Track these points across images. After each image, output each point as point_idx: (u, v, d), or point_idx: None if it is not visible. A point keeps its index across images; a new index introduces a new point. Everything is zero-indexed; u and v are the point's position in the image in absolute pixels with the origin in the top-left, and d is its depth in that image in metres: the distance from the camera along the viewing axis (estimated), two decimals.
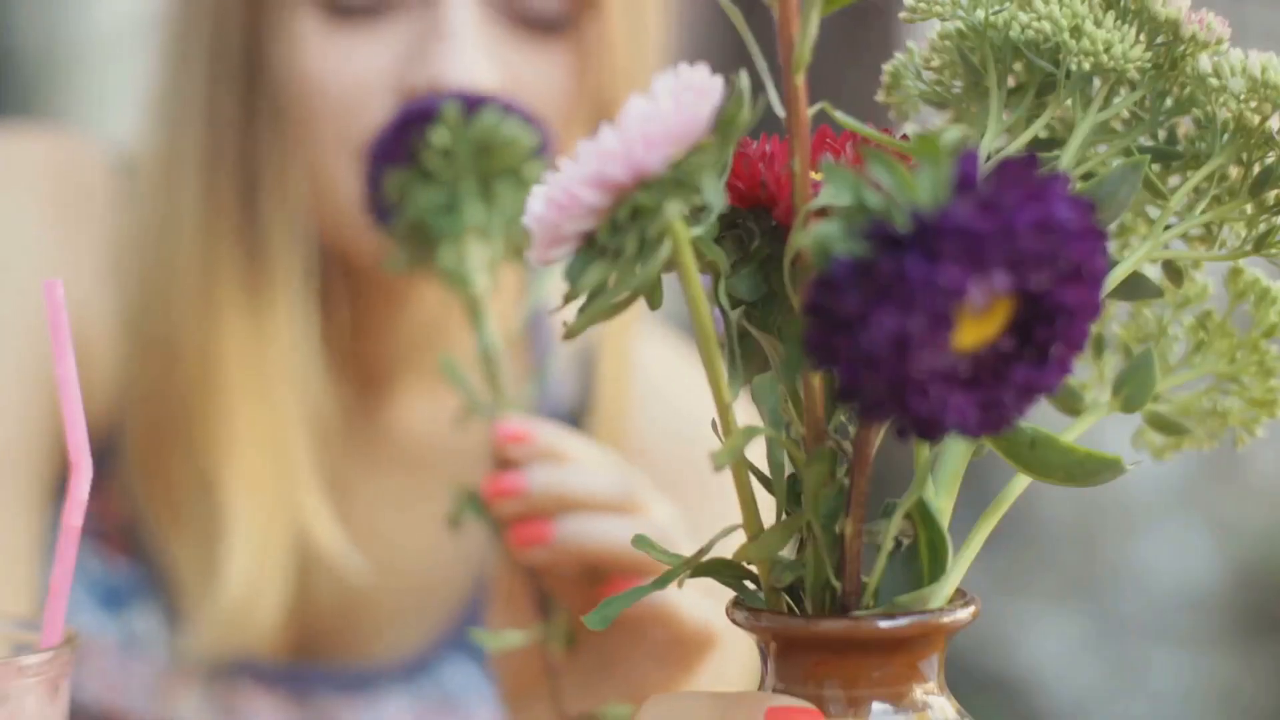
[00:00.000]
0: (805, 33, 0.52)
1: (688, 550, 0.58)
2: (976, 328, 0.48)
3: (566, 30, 1.06)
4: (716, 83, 0.53)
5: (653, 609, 0.85)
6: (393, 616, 1.16)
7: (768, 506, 0.58)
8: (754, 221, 0.57)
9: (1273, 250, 0.60)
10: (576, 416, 1.16)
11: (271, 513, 1.05)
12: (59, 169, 1.11)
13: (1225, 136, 0.59)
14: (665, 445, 1.15)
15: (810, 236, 0.48)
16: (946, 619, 0.56)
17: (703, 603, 0.86)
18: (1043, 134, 0.60)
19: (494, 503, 0.84)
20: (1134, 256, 0.60)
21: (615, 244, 0.52)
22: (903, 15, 0.62)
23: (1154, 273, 0.62)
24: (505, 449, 0.85)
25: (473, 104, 0.87)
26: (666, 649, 0.87)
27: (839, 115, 0.55)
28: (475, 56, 1.01)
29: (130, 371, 1.08)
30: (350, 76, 1.02)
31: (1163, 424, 0.65)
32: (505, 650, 0.89)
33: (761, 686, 0.58)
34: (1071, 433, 0.59)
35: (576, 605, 0.87)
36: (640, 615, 0.85)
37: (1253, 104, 0.58)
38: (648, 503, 0.85)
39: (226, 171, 1.05)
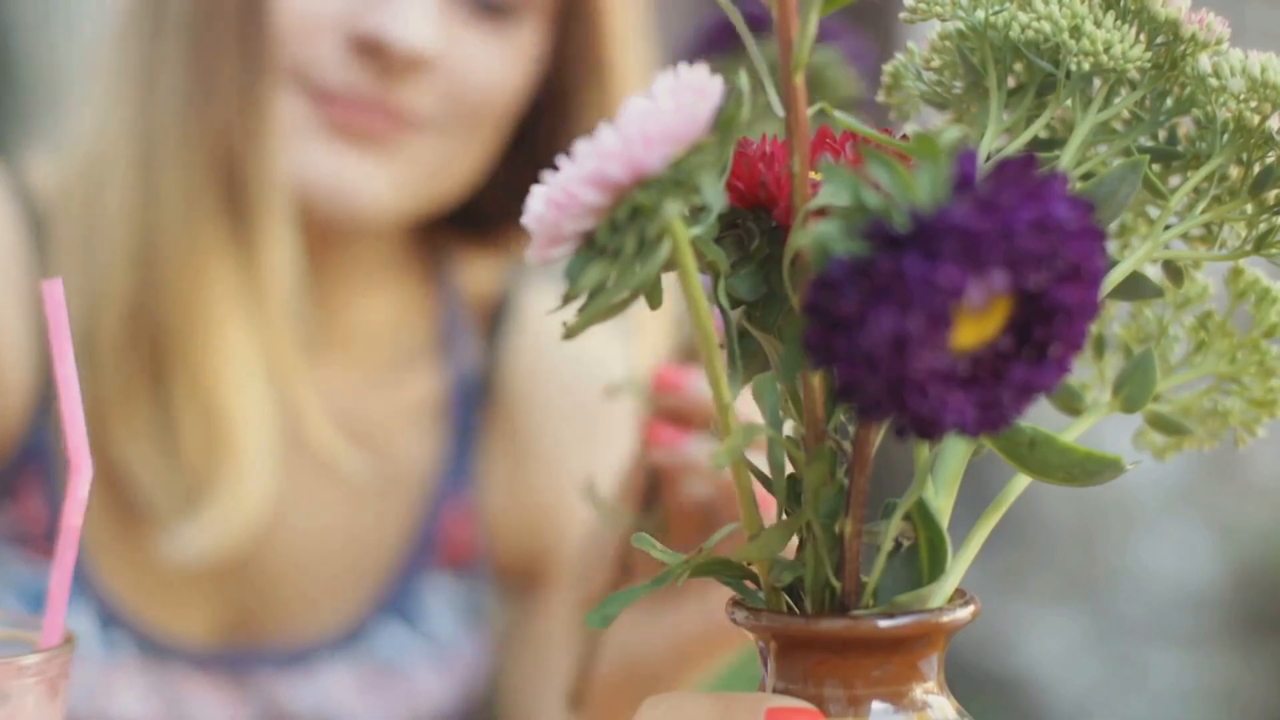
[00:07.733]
0: (804, 33, 0.52)
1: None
2: (975, 327, 0.48)
3: (517, 17, 1.10)
4: (716, 82, 0.53)
5: None
6: (324, 587, 1.16)
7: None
8: (754, 221, 0.57)
9: (1273, 250, 0.60)
10: (484, 382, 1.20)
11: (266, 412, 1.08)
12: None
13: (1225, 136, 0.59)
14: (549, 386, 1.20)
15: (809, 236, 0.48)
16: (946, 618, 0.56)
17: None
18: (1043, 134, 0.60)
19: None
20: (1134, 256, 0.60)
21: (614, 243, 0.52)
22: (903, 16, 0.62)
23: (1154, 273, 0.62)
24: (663, 397, 0.90)
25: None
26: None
27: (839, 115, 0.55)
28: (421, 15, 1.05)
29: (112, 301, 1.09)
30: (306, 8, 1.06)
31: (1163, 424, 0.65)
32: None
33: (761, 686, 0.58)
34: (1071, 433, 0.59)
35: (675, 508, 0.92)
36: None
37: (1252, 104, 0.58)
38: None
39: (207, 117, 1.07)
